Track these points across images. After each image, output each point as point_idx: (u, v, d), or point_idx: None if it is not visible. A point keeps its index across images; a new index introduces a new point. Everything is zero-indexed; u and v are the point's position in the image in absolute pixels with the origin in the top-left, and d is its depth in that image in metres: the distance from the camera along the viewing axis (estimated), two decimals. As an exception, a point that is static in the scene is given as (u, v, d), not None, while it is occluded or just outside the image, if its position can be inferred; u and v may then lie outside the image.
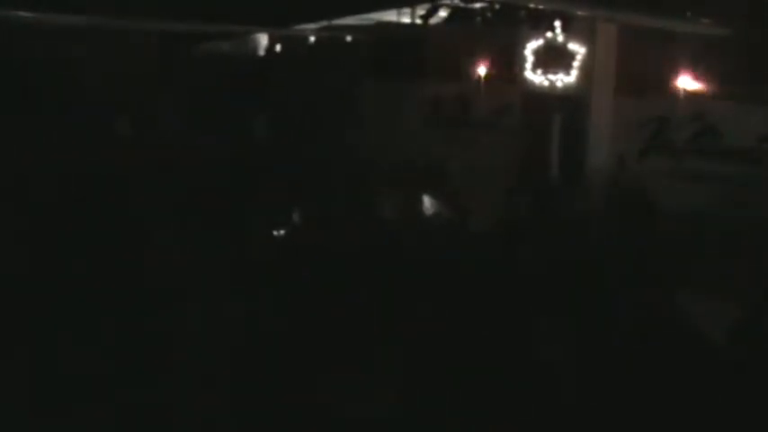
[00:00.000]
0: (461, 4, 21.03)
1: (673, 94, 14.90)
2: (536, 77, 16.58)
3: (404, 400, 8.31)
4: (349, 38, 21.73)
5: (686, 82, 14.78)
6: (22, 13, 16.60)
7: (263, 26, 22.73)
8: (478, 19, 20.67)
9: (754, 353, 9.11)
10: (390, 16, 22.91)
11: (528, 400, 8.35)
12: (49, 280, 10.19)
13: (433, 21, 21.81)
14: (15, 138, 15.95)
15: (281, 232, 13.25)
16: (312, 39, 22.89)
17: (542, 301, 10.30)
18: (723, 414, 8.10)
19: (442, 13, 21.76)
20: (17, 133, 16.17)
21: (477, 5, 20.68)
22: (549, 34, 16.19)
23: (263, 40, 25.13)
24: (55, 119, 17.46)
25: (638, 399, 8.33)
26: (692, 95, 14.75)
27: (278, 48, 24.60)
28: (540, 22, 16.22)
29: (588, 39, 15.83)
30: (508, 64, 17.37)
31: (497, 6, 19.85)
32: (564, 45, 16.08)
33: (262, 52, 25.42)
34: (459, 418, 8.08)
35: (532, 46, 16.51)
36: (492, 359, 9.03)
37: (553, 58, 16.26)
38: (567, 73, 16.10)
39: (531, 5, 16.26)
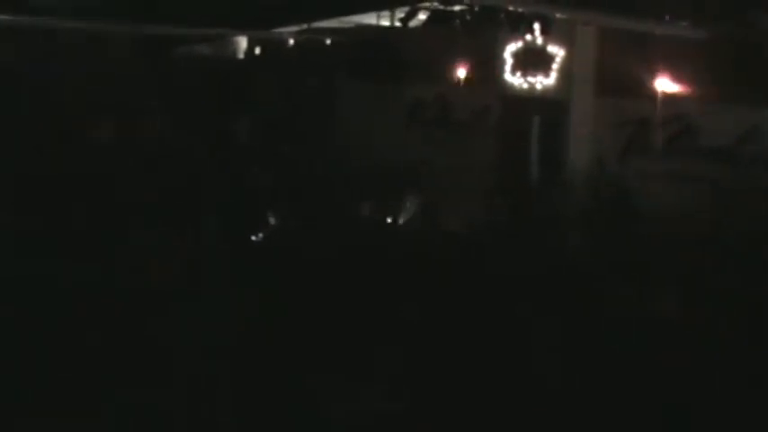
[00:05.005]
0: (440, 7, 21.05)
1: (652, 95, 14.97)
2: (515, 80, 16.61)
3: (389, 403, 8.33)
4: (329, 40, 21.70)
5: (666, 84, 14.84)
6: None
7: (243, 29, 22.69)
8: (458, 22, 20.68)
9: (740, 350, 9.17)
10: (370, 19, 22.92)
11: (514, 402, 8.36)
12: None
13: (412, 23, 21.83)
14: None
15: (263, 234, 13.22)
16: (292, 41, 22.85)
17: (522, 302, 10.32)
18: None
19: (422, 16, 21.78)
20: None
21: (457, 8, 20.70)
22: (528, 37, 16.21)
23: (242, 42, 25.08)
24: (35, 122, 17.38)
25: (621, 397, 8.38)
26: (671, 97, 14.82)
27: (258, 50, 24.55)
28: (519, 25, 16.24)
29: (567, 41, 15.88)
30: (487, 66, 17.39)
31: (476, 9, 19.87)
32: (543, 47, 16.12)
33: (241, 55, 25.37)
34: (449, 418, 8.10)
35: (511, 48, 16.54)
36: (472, 360, 9.04)
37: (532, 60, 16.30)
38: (547, 75, 16.14)
39: (510, 8, 16.29)
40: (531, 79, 16.35)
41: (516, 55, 16.54)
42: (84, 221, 12.00)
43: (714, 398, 8.31)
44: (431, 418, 8.13)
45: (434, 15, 21.08)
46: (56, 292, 9.88)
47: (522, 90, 16.53)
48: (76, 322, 9.32)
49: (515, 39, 16.44)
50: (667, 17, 14.69)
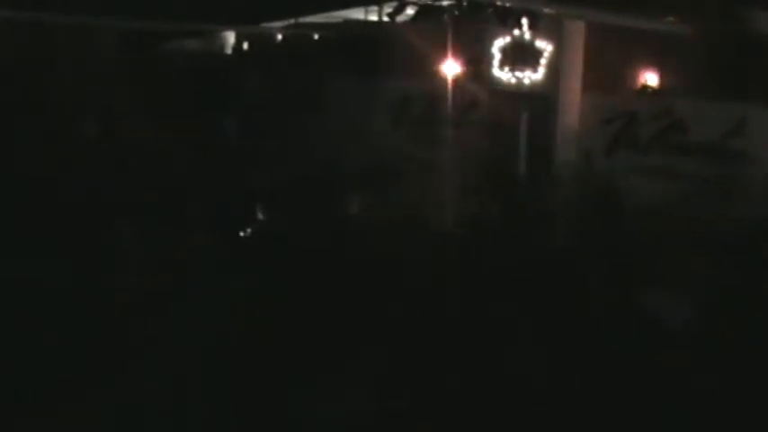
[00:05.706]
0: (429, 2, 21.05)
1: (640, 90, 15.04)
2: (503, 75, 16.64)
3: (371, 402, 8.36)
4: (316, 35, 21.67)
5: (653, 79, 14.92)
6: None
7: (230, 24, 22.65)
8: (446, 17, 20.68)
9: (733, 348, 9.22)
10: (358, 14, 22.89)
11: (493, 400, 8.40)
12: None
13: (400, 18, 21.81)
14: None
15: (249, 231, 13.22)
16: (279, 36, 22.80)
17: (510, 299, 10.35)
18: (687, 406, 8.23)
19: (410, 11, 21.77)
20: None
21: (445, 3, 20.71)
22: (516, 32, 16.24)
23: (230, 38, 25.01)
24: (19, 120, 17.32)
25: (603, 391, 8.43)
26: (658, 92, 14.89)
27: (245, 46, 24.50)
28: (508, 20, 16.27)
29: (555, 36, 15.92)
30: (475, 62, 17.41)
31: (464, 4, 19.89)
32: (531, 43, 16.16)
33: (229, 50, 25.30)
34: (446, 418, 8.14)
35: (500, 43, 16.57)
36: (459, 360, 9.07)
37: (520, 55, 16.33)
38: (535, 70, 16.18)
39: (499, 3, 16.31)
40: (519, 74, 16.38)
41: (504, 50, 16.57)
42: (71, 222, 11.98)
43: (710, 399, 8.37)
44: (428, 418, 8.17)
45: (422, 10, 21.08)
46: (48, 292, 9.89)
47: (510, 85, 16.57)
48: (67, 323, 9.33)
49: (503, 34, 16.47)
50: (655, 13, 14.73)
